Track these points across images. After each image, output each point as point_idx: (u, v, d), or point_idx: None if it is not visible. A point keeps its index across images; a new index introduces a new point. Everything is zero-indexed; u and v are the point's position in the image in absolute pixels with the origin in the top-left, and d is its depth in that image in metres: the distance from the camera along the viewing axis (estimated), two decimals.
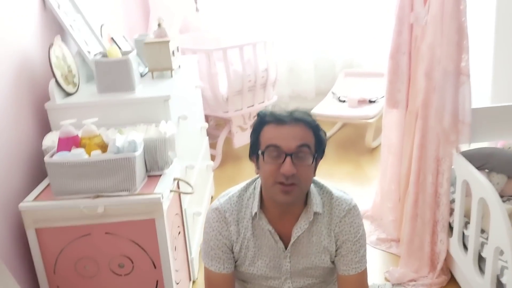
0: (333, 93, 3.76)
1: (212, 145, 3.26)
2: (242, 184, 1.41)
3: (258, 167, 1.30)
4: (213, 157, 3.21)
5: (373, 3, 3.81)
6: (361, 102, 3.54)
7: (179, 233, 1.91)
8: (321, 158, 1.32)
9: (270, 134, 1.25)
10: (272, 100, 3.43)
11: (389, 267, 2.11)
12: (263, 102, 3.35)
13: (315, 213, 1.33)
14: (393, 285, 2.01)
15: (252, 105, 3.29)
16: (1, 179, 1.59)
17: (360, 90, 3.66)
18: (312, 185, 1.35)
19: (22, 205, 1.57)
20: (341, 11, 3.91)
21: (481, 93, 2.50)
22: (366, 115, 3.36)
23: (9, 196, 1.62)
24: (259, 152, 1.27)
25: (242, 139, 3.33)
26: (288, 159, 1.21)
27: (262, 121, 1.28)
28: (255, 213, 1.32)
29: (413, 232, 2.01)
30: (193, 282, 2.14)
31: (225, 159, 3.38)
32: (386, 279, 2.05)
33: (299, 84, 4.10)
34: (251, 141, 1.32)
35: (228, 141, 3.43)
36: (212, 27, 3.78)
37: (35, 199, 1.61)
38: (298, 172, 1.22)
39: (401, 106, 2.09)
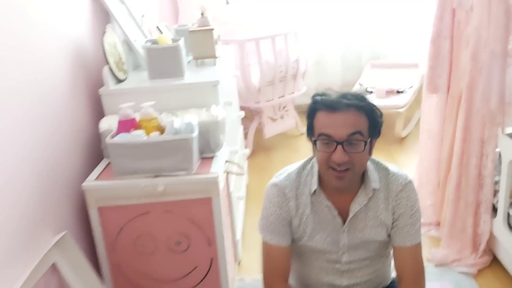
0: (360, 84, 3.80)
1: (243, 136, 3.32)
2: (300, 162, 1.45)
3: (313, 148, 1.35)
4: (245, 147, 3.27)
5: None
6: (389, 92, 3.57)
7: (227, 214, 1.96)
8: (378, 137, 1.34)
9: (322, 121, 1.27)
10: (302, 91, 3.48)
11: (430, 250, 2.15)
12: (293, 92, 3.40)
13: (374, 189, 1.37)
14: (436, 265, 2.05)
15: (283, 96, 3.34)
16: (63, 160, 1.65)
17: (387, 81, 3.70)
18: (368, 163, 1.39)
19: (85, 184, 1.64)
20: (366, 2, 3.94)
21: None
22: (395, 104, 3.39)
23: (71, 177, 1.69)
24: (312, 139, 1.31)
25: (273, 130, 3.38)
26: (339, 147, 1.24)
27: (315, 107, 1.29)
28: (315, 190, 1.37)
29: (455, 214, 2.05)
30: (239, 263, 2.20)
31: (256, 150, 3.43)
32: (429, 260, 2.09)
33: (326, 76, 4.14)
34: (307, 124, 1.35)
35: (258, 132, 3.48)
36: (241, 19, 3.82)
37: (97, 178, 1.67)
38: (350, 158, 1.25)
39: (442, 90, 2.12)
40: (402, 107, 3.35)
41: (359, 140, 1.26)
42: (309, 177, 1.40)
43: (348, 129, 1.24)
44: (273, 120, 3.40)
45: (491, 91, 1.76)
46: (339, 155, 1.24)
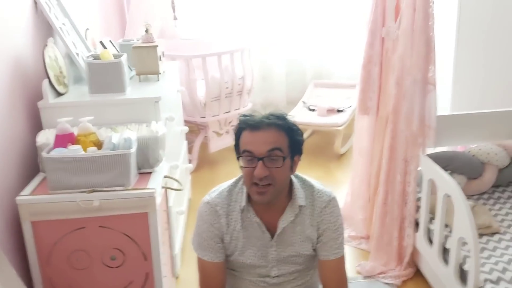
0: (303, 102, 3.94)
1: (188, 150, 3.35)
2: (232, 180, 1.53)
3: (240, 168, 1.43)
4: (189, 161, 3.30)
5: (344, 16, 4.03)
6: (330, 111, 3.73)
7: (166, 229, 1.99)
8: (300, 155, 1.44)
9: (245, 139, 1.38)
10: (247, 107, 3.57)
11: (360, 262, 2.27)
12: (238, 108, 3.48)
13: (300, 206, 1.46)
14: (364, 277, 2.17)
15: (229, 111, 3.41)
16: None
17: (329, 100, 3.87)
18: (295, 180, 1.49)
19: (19, 198, 1.63)
20: (313, 22, 4.10)
21: (442, 102, 2.73)
22: (335, 123, 3.55)
23: (5, 190, 1.67)
24: (237, 156, 1.40)
25: (218, 144, 3.44)
26: (260, 163, 1.34)
27: (240, 126, 1.40)
28: (244, 206, 1.45)
29: (382, 228, 2.19)
30: (177, 278, 2.22)
31: (201, 164, 3.47)
32: (358, 272, 2.21)
33: (271, 92, 4.25)
34: (234, 144, 1.43)
35: (203, 146, 3.53)
36: (189, 34, 3.88)
37: (32, 193, 1.66)
38: (271, 173, 1.35)
39: (372, 112, 2.27)
40: (341, 125, 3.52)
41: (278, 155, 1.35)
42: (239, 194, 1.47)
43: (268, 145, 1.34)
44: (219, 134, 3.46)
45: (413, 115, 1.92)
46: (259, 170, 1.33)
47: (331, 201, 1.50)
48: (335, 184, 3.17)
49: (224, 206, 1.47)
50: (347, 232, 2.52)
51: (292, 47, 4.16)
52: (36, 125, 1.93)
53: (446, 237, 1.86)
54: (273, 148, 1.35)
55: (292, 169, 1.43)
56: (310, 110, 3.84)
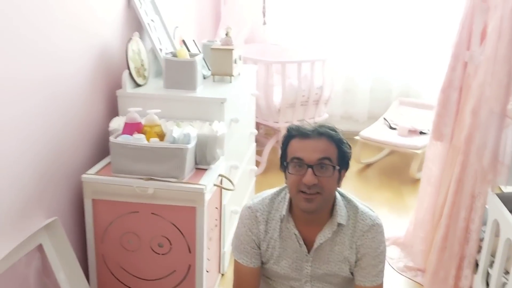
0: (385, 119, 3.81)
1: (259, 152, 3.41)
2: (276, 189, 1.54)
3: (286, 177, 1.43)
4: (258, 164, 3.35)
5: (436, 36, 3.83)
6: (412, 132, 3.57)
7: (215, 225, 2.05)
8: (346, 170, 1.42)
9: (295, 147, 1.38)
10: (322, 117, 3.54)
11: None
12: (313, 118, 3.46)
13: (339, 224, 1.43)
14: None
15: (302, 119, 3.40)
16: (70, 152, 1.80)
17: (412, 120, 3.70)
18: (339, 198, 1.46)
19: (85, 176, 1.78)
20: (404, 38, 3.96)
21: None
22: (414, 145, 3.39)
23: (74, 167, 1.83)
24: (285, 163, 1.39)
25: None
26: (309, 170, 1.33)
27: (289, 134, 1.40)
28: (284, 216, 1.45)
29: (439, 263, 2.05)
30: (222, 275, 2.28)
31: (269, 167, 3.51)
32: None
33: (353, 105, 4.17)
34: (280, 153, 1.45)
35: (275, 150, 3.56)
36: (276, 40, 3.94)
37: (96, 173, 1.81)
38: (320, 182, 1.33)
39: (446, 139, 2.14)
40: (420, 149, 3.34)
41: (328, 164, 1.34)
42: (281, 204, 1.48)
43: (318, 154, 1.34)
44: None
45: (485, 148, 1.77)
46: (309, 177, 1.33)
47: (375, 226, 1.44)
48: (403, 210, 3.03)
49: (264, 213, 1.49)
50: (404, 262, 2.40)
51: (379, 62, 4.04)
52: (113, 111, 2.09)
53: (504, 284, 1.70)
54: (323, 157, 1.34)
55: (338, 182, 1.41)
56: (391, 128, 3.70)
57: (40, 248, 1.59)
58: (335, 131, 1.40)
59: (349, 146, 1.42)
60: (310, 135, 1.37)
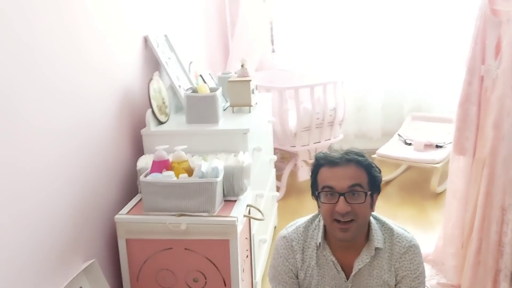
0: (399, 135, 3.82)
1: (277, 177, 3.42)
2: (309, 216, 1.56)
3: (318, 205, 1.45)
4: (277, 189, 3.36)
5: (445, 48, 3.88)
6: (428, 146, 3.57)
7: (247, 256, 2.06)
8: (378, 193, 1.43)
9: (324, 175, 1.39)
10: (338, 138, 3.56)
11: None
12: (329, 139, 3.49)
13: (377, 248, 1.43)
14: None
15: (319, 142, 3.43)
16: (101, 192, 1.84)
17: (427, 134, 3.70)
18: (374, 221, 1.47)
19: (118, 217, 1.81)
20: (414, 53, 4.00)
21: None
22: (432, 159, 3.39)
23: (106, 208, 1.86)
24: (316, 193, 1.41)
25: (307, 174, 3.46)
26: (341, 198, 1.34)
27: (318, 163, 1.43)
28: (319, 243, 1.45)
29: (474, 279, 2.03)
30: None
31: (289, 192, 3.52)
32: None
33: (365, 123, 4.20)
34: (311, 182, 1.46)
35: (293, 174, 3.58)
36: (286, 66, 4.01)
37: (128, 212, 1.84)
38: (353, 209, 1.34)
39: (469, 153, 2.14)
40: (438, 163, 3.34)
41: (359, 191, 1.35)
42: (316, 231, 1.49)
43: (348, 181, 1.35)
44: (308, 164, 3.49)
45: (511, 159, 1.78)
46: (341, 205, 1.34)
47: (412, 247, 1.45)
48: (428, 226, 3.01)
49: (300, 242, 1.50)
50: (436, 279, 2.38)
51: (389, 78, 4.09)
52: (139, 150, 2.13)
53: None
54: (354, 184, 1.36)
55: (372, 207, 1.42)
56: (406, 144, 3.71)
57: None
58: (364, 156, 1.41)
59: (379, 169, 1.43)
60: (339, 163, 1.39)
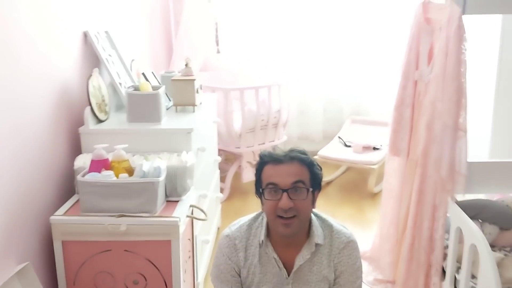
0: (339, 137, 3.95)
1: (221, 179, 3.41)
2: (252, 215, 1.57)
3: (262, 203, 1.47)
4: (221, 190, 3.36)
5: (382, 55, 4.05)
6: (366, 148, 3.71)
7: (189, 257, 2.04)
8: (319, 191, 1.48)
9: (268, 172, 1.42)
10: (282, 140, 3.61)
11: None
12: (273, 141, 3.53)
13: (317, 244, 1.47)
14: None
15: (263, 143, 3.47)
16: (35, 193, 1.74)
17: (365, 136, 3.85)
18: (314, 218, 1.51)
19: (53, 218, 1.72)
20: (351, 60, 4.16)
21: (480, 148, 2.67)
22: (369, 161, 3.52)
23: (41, 209, 1.77)
24: (260, 189, 1.43)
25: (251, 175, 3.48)
26: (284, 194, 1.38)
27: (262, 161, 1.46)
28: (262, 241, 1.47)
29: (408, 273, 2.13)
30: None
31: (233, 193, 3.53)
32: None
33: (308, 126, 4.29)
34: (255, 180, 1.49)
35: (237, 176, 3.59)
36: (231, 67, 4.01)
37: (65, 213, 1.76)
38: (295, 205, 1.38)
39: (403, 154, 2.25)
40: (375, 164, 3.48)
41: (302, 187, 1.39)
42: (259, 229, 1.50)
43: (292, 178, 1.39)
44: (252, 165, 3.51)
45: (442, 160, 1.89)
46: (285, 201, 1.37)
47: (350, 243, 1.50)
48: (365, 224, 3.13)
49: (243, 240, 1.51)
50: (373, 275, 2.47)
51: (330, 84, 4.22)
52: (76, 149, 2.05)
53: None
54: (297, 181, 1.39)
55: (313, 203, 1.46)
56: (346, 146, 3.83)
57: None
58: (306, 154, 1.45)
59: (320, 167, 1.48)
60: (283, 160, 1.42)
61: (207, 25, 3.75)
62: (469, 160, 1.93)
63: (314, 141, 4.27)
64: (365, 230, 3.00)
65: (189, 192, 1.94)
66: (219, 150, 3.49)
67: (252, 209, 1.60)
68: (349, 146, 3.79)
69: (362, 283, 1.55)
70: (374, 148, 3.70)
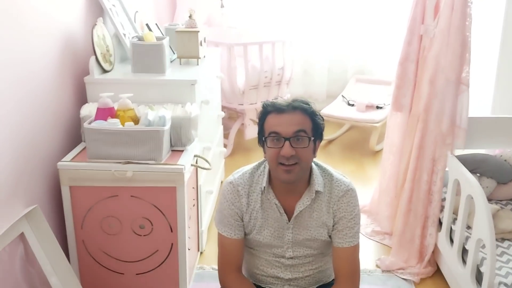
0: (343, 96, 3.95)
1: (225, 136, 3.45)
2: (255, 163, 1.61)
3: (264, 151, 1.50)
4: (224, 146, 3.40)
5: (387, 13, 4.00)
6: (369, 107, 3.72)
7: (193, 205, 2.10)
8: (321, 140, 1.51)
9: (271, 122, 1.44)
10: (285, 98, 3.61)
11: (380, 256, 2.29)
12: (276, 98, 3.53)
13: (317, 192, 1.51)
14: (382, 271, 2.19)
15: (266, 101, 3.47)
16: (43, 140, 1.78)
17: (369, 95, 3.85)
18: (315, 167, 1.54)
19: (60, 163, 1.77)
20: (357, 20, 4.11)
21: (483, 104, 2.68)
22: (372, 119, 3.54)
23: (48, 155, 1.82)
24: (263, 138, 1.46)
25: (253, 132, 3.51)
26: (287, 143, 1.40)
27: (265, 111, 1.47)
28: (264, 188, 1.52)
29: (405, 225, 2.20)
30: (201, 253, 2.33)
31: (236, 149, 3.57)
32: (377, 266, 2.24)
33: (312, 85, 4.29)
34: (258, 129, 1.51)
35: (240, 132, 3.62)
36: (234, 23, 3.97)
37: (72, 160, 1.81)
38: (297, 153, 1.41)
39: (405, 109, 2.27)
40: (378, 122, 3.50)
41: (304, 136, 1.42)
42: (261, 177, 1.54)
43: (294, 127, 1.41)
44: (255, 122, 3.53)
45: (443, 114, 1.91)
46: (287, 149, 1.40)
47: (349, 191, 1.53)
48: (366, 180, 3.18)
49: (245, 187, 1.55)
50: (371, 227, 2.54)
51: (335, 43, 4.18)
52: (82, 98, 2.08)
53: (467, 238, 1.86)
54: (299, 130, 1.42)
55: (314, 152, 1.49)
56: (349, 105, 3.84)
57: (22, 236, 1.58)
58: (308, 104, 1.47)
59: (322, 118, 1.50)
60: (285, 110, 1.44)
61: None
62: (470, 115, 1.95)
63: (317, 100, 4.27)
64: (365, 185, 3.06)
65: (194, 143, 1.98)
66: (223, 107, 3.50)
67: None
68: (352, 105, 3.80)
69: (360, 234, 1.60)
70: (377, 107, 3.71)
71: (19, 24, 1.64)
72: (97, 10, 2.24)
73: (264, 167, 1.56)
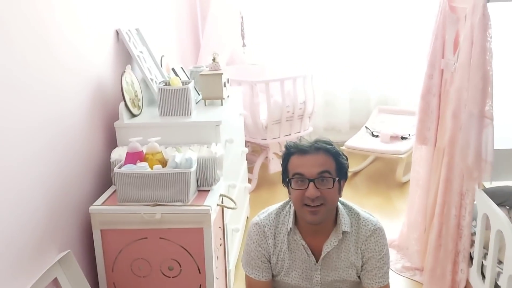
0: (366, 127, 3.95)
1: (249, 170, 3.49)
2: (280, 203, 1.63)
3: (289, 192, 1.52)
4: (249, 181, 3.43)
5: (409, 44, 4.03)
6: (393, 138, 3.71)
7: (220, 244, 2.12)
8: (345, 180, 1.51)
9: (295, 163, 1.47)
10: (308, 131, 3.65)
11: None
12: (299, 132, 3.57)
13: (344, 232, 1.51)
14: None
15: (289, 134, 3.51)
16: (75, 185, 1.85)
17: (393, 126, 3.84)
18: (341, 207, 1.55)
19: (92, 208, 1.83)
20: (378, 50, 4.15)
21: (509, 134, 2.64)
22: (397, 150, 3.52)
23: (81, 200, 1.88)
24: (287, 179, 1.48)
25: (278, 166, 3.53)
26: (311, 184, 1.42)
27: (288, 152, 1.50)
28: (290, 229, 1.53)
29: (436, 261, 2.15)
30: None
31: (260, 183, 3.59)
32: None
33: (334, 116, 4.31)
34: (282, 170, 1.54)
35: (264, 166, 3.66)
36: (256, 60, 4.07)
37: (103, 203, 1.86)
38: (322, 194, 1.42)
39: (430, 143, 2.26)
40: (403, 153, 3.48)
41: (328, 177, 1.43)
42: (287, 217, 1.56)
43: (318, 168, 1.43)
44: (279, 156, 3.55)
45: (468, 148, 1.90)
46: (311, 191, 1.42)
47: (377, 230, 1.53)
48: (393, 213, 3.14)
49: (271, 227, 1.56)
50: (401, 263, 2.50)
51: (356, 73, 4.22)
52: (112, 142, 2.15)
53: (499, 273, 1.81)
54: (323, 171, 1.43)
55: (339, 192, 1.50)
56: (373, 136, 3.84)
57: (55, 282, 1.63)
58: (331, 145, 1.49)
59: (346, 157, 1.51)
60: (308, 151, 1.46)
61: (233, 19, 3.81)
62: (496, 147, 1.93)
63: (340, 131, 4.29)
64: (393, 219, 3.02)
65: (219, 182, 2.02)
66: (246, 142, 3.56)
67: (280, 199, 1.66)
68: (377, 136, 3.79)
69: (390, 270, 1.58)
70: (402, 138, 3.69)
71: (55, 59, 1.72)
72: (126, 57, 2.34)
73: (290, 207, 1.57)
